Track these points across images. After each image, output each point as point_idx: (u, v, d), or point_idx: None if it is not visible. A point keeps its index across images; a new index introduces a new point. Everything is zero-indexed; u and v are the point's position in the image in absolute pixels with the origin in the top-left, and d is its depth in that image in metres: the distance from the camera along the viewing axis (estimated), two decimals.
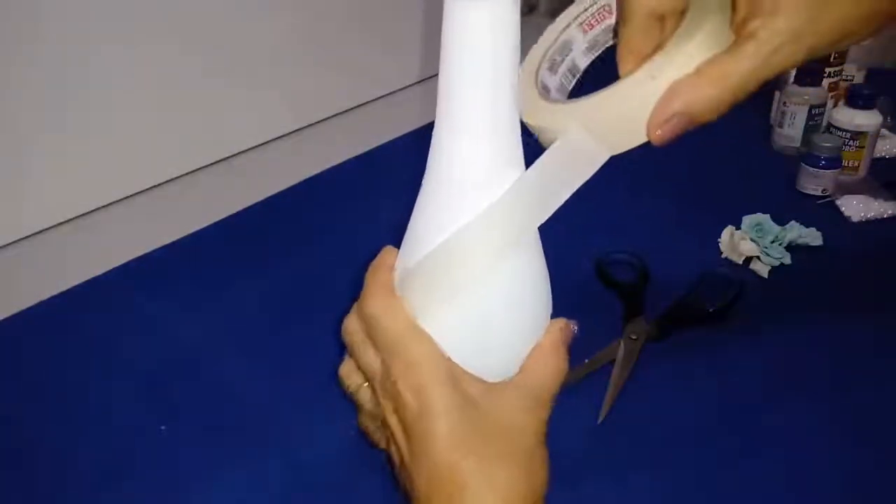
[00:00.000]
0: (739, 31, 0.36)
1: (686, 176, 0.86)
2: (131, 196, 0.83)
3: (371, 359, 0.40)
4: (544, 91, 0.41)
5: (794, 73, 0.89)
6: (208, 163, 0.89)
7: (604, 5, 0.43)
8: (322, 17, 0.94)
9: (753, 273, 0.71)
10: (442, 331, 0.39)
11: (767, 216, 0.75)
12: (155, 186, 0.85)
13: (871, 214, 0.79)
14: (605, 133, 0.37)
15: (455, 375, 0.38)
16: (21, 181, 0.75)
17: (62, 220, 0.79)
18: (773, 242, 0.72)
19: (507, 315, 0.40)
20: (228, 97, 0.89)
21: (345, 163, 0.93)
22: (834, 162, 0.81)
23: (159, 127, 0.83)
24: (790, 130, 0.90)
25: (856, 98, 0.84)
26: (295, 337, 0.65)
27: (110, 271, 0.74)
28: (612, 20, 0.43)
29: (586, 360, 0.60)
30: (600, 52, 0.44)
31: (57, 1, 0.71)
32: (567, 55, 0.44)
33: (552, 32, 0.44)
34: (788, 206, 0.79)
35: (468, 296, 0.38)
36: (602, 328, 0.63)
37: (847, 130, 0.84)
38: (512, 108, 0.36)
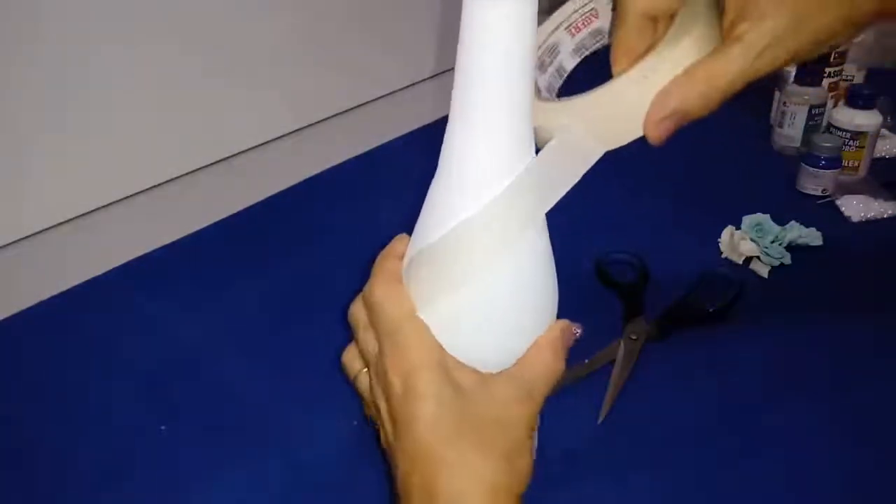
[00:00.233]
0: (728, 33, 0.38)
1: (686, 176, 0.86)
2: (131, 196, 0.83)
3: (371, 345, 0.41)
4: (535, 90, 0.42)
5: (794, 72, 0.89)
6: (208, 163, 0.89)
7: (590, 10, 0.45)
8: (322, 17, 0.94)
9: (753, 273, 0.71)
10: (442, 320, 0.39)
11: (767, 216, 0.75)
12: (155, 186, 0.85)
13: (871, 214, 0.79)
14: (601, 129, 0.39)
15: (446, 363, 0.38)
16: (21, 181, 0.75)
17: (62, 220, 0.79)
18: (773, 242, 0.72)
19: (507, 310, 0.40)
20: (228, 97, 0.89)
21: (345, 163, 0.93)
22: (834, 162, 0.81)
23: (159, 127, 0.83)
24: (790, 130, 0.89)
25: (856, 98, 0.84)
26: (295, 337, 0.65)
27: (110, 271, 0.74)
28: (598, 24, 0.45)
29: (586, 360, 0.60)
30: (586, 54, 0.46)
31: (57, 1, 0.71)
32: (555, 57, 0.45)
33: (541, 35, 0.45)
34: (788, 206, 0.79)
35: (470, 288, 0.38)
36: (602, 328, 0.63)
37: (847, 130, 0.84)
38: (527, 106, 0.36)
